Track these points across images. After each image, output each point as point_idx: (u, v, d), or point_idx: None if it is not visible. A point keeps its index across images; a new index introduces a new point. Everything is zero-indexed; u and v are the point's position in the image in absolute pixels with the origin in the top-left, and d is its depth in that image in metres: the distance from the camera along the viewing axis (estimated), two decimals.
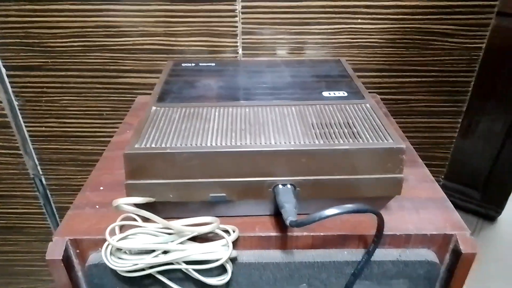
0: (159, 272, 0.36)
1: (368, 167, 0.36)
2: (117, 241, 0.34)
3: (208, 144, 0.36)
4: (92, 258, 0.38)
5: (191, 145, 0.36)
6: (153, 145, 0.36)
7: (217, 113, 0.41)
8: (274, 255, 0.38)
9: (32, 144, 0.72)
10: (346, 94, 0.45)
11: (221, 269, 0.37)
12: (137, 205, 0.37)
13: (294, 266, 0.38)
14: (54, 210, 0.80)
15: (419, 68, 0.64)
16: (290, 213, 0.33)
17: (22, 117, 0.69)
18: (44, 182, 0.76)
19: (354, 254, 0.38)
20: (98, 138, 0.70)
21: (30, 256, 0.86)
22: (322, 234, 0.38)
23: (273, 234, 0.38)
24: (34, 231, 0.82)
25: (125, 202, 0.35)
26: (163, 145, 0.36)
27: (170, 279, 0.37)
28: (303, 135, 0.37)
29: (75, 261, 0.39)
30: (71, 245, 0.38)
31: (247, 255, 0.38)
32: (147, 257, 0.35)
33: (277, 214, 0.40)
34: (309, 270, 0.38)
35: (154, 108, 0.42)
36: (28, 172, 0.74)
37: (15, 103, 0.67)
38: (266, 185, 0.36)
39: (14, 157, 0.72)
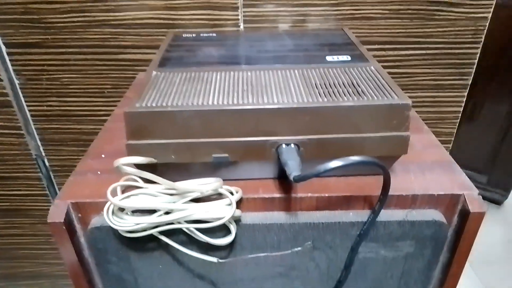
0: (162, 233, 0.36)
1: (373, 124, 0.35)
2: (119, 200, 0.34)
3: (210, 103, 0.35)
4: (95, 222, 0.37)
5: (192, 104, 0.35)
6: (154, 104, 0.35)
7: (218, 77, 0.40)
8: (278, 217, 0.37)
9: (34, 124, 0.71)
10: (349, 58, 0.44)
11: (225, 230, 0.37)
12: (139, 168, 0.36)
13: (299, 227, 0.37)
14: (58, 191, 0.80)
15: (423, 40, 0.63)
16: (293, 168, 0.33)
17: (24, 96, 0.68)
18: (47, 163, 0.76)
19: (360, 215, 0.37)
20: (100, 117, 0.70)
21: (35, 239, 0.86)
22: (326, 195, 0.37)
23: (277, 195, 0.37)
24: (37, 213, 0.82)
25: (126, 162, 0.34)
26: (164, 105, 0.35)
27: (173, 241, 0.37)
28: (306, 94, 0.36)
29: (77, 225, 0.38)
30: (73, 208, 0.37)
31: (251, 217, 0.37)
32: (149, 217, 0.34)
33: (281, 177, 0.39)
34: (314, 232, 0.37)
35: (154, 72, 0.41)
36: (30, 152, 0.74)
37: (16, 81, 0.67)
38: (269, 145, 0.36)
39: (16, 137, 0.72)
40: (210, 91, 0.37)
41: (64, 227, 0.36)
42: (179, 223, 0.35)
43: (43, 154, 0.75)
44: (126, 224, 0.34)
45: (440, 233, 0.38)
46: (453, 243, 0.39)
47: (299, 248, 0.36)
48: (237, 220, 0.37)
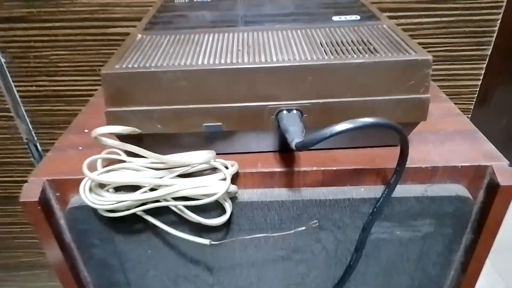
0: (147, 212, 0.32)
1: (387, 85, 0.31)
2: (97, 175, 0.30)
3: (200, 63, 0.31)
4: (74, 201, 0.33)
5: (179, 64, 0.31)
6: (136, 66, 0.31)
7: (210, 38, 0.36)
8: (279, 193, 0.33)
9: (24, 106, 0.67)
10: (359, 17, 0.39)
11: (220, 209, 0.33)
12: (121, 139, 0.32)
13: (303, 204, 0.33)
14: None
15: (438, 6, 0.58)
16: (295, 134, 0.28)
17: (11, 76, 0.64)
18: (39, 147, 0.72)
19: (372, 191, 0.33)
20: (92, 97, 0.66)
21: (29, 227, 0.83)
22: (334, 168, 0.33)
23: (278, 169, 0.33)
24: None
25: (105, 132, 0.30)
26: (147, 65, 0.31)
27: (160, 221, 0.33)
28: (310, 52, 0.32)
29: (56, 206, 0.34)
30: (50, 186, 0.33)
31: (249, 194, 0.33)
32: (132, 194, 0.30)
33: (282, 150, 0.35)
34: (320, 210, 0.33)
35: (139, 35, 0.37)
36: (21, 136, 0.71)
37: (2, 60, 0.63)
38: (268, 111, 0.31)
39: (5, 120, 0.68)
40: (200, 52, 0.33)
41: (39, 207, 0.32)
42: (166, 200, 0.31)
43: (35, 138, 0.71)
44: (105, 202, 0.30)
45: (464, 209, 0.33)
46: (478, 221, 0.34)
47: (303, 228, 0.32)
48: (232, 198, 0.32)
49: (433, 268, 0.37)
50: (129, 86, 0.30)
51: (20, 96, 0.67)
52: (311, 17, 0.40)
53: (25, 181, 0.78)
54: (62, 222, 0.35)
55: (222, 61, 0.31)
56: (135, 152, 0.30)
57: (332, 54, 0.31)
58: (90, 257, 0.36)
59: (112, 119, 0.31)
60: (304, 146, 0.27)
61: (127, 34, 0.60)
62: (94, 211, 0.33)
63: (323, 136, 0.26)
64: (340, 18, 0.39)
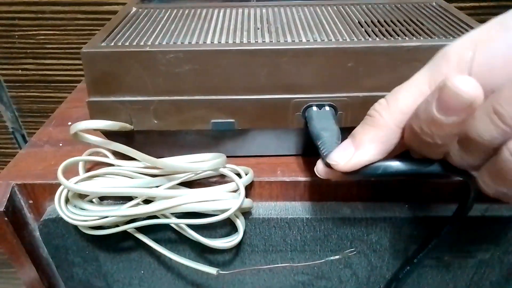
0: (140, 230, 0.25)
1: None
2: (76, 182, 0.23)
3: (208, 42, 0.24)
4: (50, 211, 0.27)
5: (182, 43, 0.24)
6: (127, 43, 0.24)
7: (221, 14, 0.29)
8: (304, 208, 0.26)
9: (9, 91, 0.61)
10: None
11: (229, 226, 0.26)
12: (108, 137, 0.26)
13: (332, 223, 0.26)
14: None
15: None
16: (330, 145, 0.22)
17: None
18: (27, 137, 0.66)
19: (421, 209, 0.26)
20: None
21: None
22: (373, 179, 0.26)
23: (302, 179, 0.26)
24: None
25: (88, 127, 0.24)
26: (141, 44, 0.24)
27: (156, 240, 0.26)
28: (348, 33, 0.25)
29: (29, 215, 0.28)
30: (20, 192, 0.27)
31: (266, 208, 0.26)
32: (120, 207, 0.24)
33: (307, 154, 0.28)
34: (353, 230, 0.27)
35: (134, 9, 0.30)
36: (6, 125, 0.64)
37: None
38: (294, 106, 0.25)
39: None
40: (209, 30, 0.26)
41: (6, 218, 0.26)
42: (165, 216, 0.24)
43: (22, 127, 0.65)
44: (86, 216, 0.23)
45: None
46: None
47: (337, 257, 0.26)
48: (245, 213, 0.26)
49: None
50: (118, 69, 0.24)
51: (5, 81, 0.60)
52: None
53: None
54: (37, 234, 0.29)
55: (237, 41, 0.24)
56: (124, 153, 0.24)
57: (377, 36, 0.25)
58: (70, 277, 0.30)
59: (97, 111, 0.25)
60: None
61: None
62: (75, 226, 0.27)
63: (373, 172, 0.19)
64: None
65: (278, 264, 0.28)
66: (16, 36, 0.56)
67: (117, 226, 0.25)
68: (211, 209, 0.23)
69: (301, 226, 0.27)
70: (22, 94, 0.61)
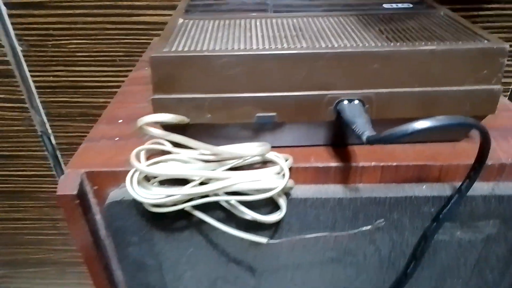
0: (196, 208, 0.29)
1: (458, 75, 0.29)
2: (147, 166, 0.27)
3: (254, 48, 0.29)
4: (113, 195, 0.31)
5: (232, 48, 0.28)
6: (186, 49, 0.28)
7: (258, 23, 0.34)
8: (335, 190, 0.31)
9: (39, 97, 0.65)
10: (411, 5, 0.37)
11: (270, 206, 0.30)
12: (166, 130, 0.30)
13: (360, 203, 0.30)
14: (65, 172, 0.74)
15: None
16: (365, 127, 0.26)
17: (27, 65, 0.62)
18: (53, 141, 0.70)
19: (436, 189, 0.30)
20: (111, 89, 0.63)
21: (40, 223, 0.80)
22: (394, 164, 0.31)
23: (333, 164, 0.31)
24: (43, 195, 0.76)
25: (152, 121, 0.28)
26: (198, 49, 0.28)
27: (209, 217, 0.30)
28: (373, 39, 0.30)
29: (92, 200, 0.32)
30: (87, 179, 0.31)
31: (302, 190, 0.31)
32: (183, 188, 0.28)
33: (336, 144, 0.33)
34: (378, 208, 0.31)
35: (181, 20, 0.35)
36: (35, 129, 0.68)
37: (18, 48, 0.60)
38: (327, 101, 0.29)
39: (19, 111, 0.66)
40: (252, 37, 0.31)
41: (78, 201, 0.30)
42: (217, 195, 0.28)
43: (49, 130, 0.68)
44: (153, 196, 0.27)
45: None
46: None
47: (369, 227, 0.30)
48: (286, 194, 0.30)
49: (491, 272, 0.35)
50: (179, 71, 0.28)
51: (36, 87, 0.64)
52: (359, 4, 0.38)
53: (37, 175, 0.76)
54: (98, 218, 0.33)
55: (279, 46, 0.29)
56: (184, 143, 0.28)
57: (397, 41, 0.29)
58: (126, 256, 0.34)
59: (159, 107, 0.29)
60: (377, 141, 0.25)
61: (151, 23, 0.57)
62: (136, 206, 0.30)
63: (404, 132, 0.23)
64: (391, 5, 0.37)
65: (314, 237, 0.32)
66: (50, 45, 0.60)
67: (176, 204, 0.29)
68: (259, 188, 0.27)
69: (333, 206, 0.31)
70: (52, 99, 0.65)
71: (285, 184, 0.27)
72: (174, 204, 0.29)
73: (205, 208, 0.30)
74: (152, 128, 0.29)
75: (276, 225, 0.32)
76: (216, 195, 0.28)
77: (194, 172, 0.27)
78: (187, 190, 0.27)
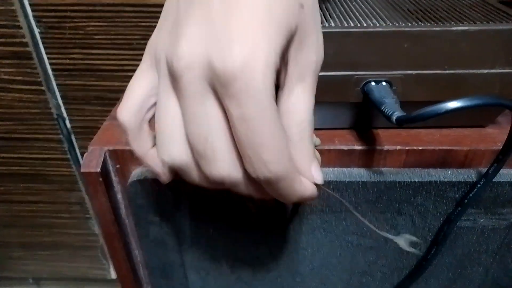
0: None
1: (489, 57, 0.28)
2: None
3: None
4: (136, 174, 0.31)
5: None
6: None
7: None
8: (359, 173, 0.30)
9: (56, 80, 0.65)
10: None
11: None
12: None
13: (384, 186, 0.30)
14: (79, 156, 0.74)
15: None
16: (394, 107, 0.25)
17: (44, 47, 0.62)
18: (68, 124, 0.70)
19: (461, 174, 0.30)
20: (127, 72, 0.63)
21: (54, 206, 0.81)
22: (420, 148, 0.30)
23: (358, 147, 0.30)
24: (57, 179, 0.77)
25: None
26: None
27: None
28: (401, 19, 0.29)
29: (114, 178, 0.32)
30: (110, 157, 0.31)
31: (326, 172, 0.30)
32: None
33: (360, 127, 0.32)
34: (402, 192, 0.30)
35: None
36: (51, 112, 0.68)
37: (36, 30, 0.60)
38: (355, 81, 0.29)
39: (36, 94, 0.66)
40: None
41: (101, 179, 0.30)
42: None
43: (64, 113, 0.69)
44: None
45: None
46: None
47: (391, 236, 0.30)
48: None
49: None
50: None
51: (53, 69, 0.64)
52: None
53: (52, 159, 0.76)
54: (119, 196, 0.33)
55: None
56: None
57: (427, 22, 0.28)
58: (145, 235, 0.34)
59: None
60: (408, 121, 0.24)
61: None
62: (157, 185, 0.30)
63: (436, 112, 0.23)
64: None
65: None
66: (67, 27, 0.60)
67: None
68: None
69: (356, 188, 0.30)
70: (68, 82, 0.65)
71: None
72: None
73: None
74: None
75: (296, 207, 0.32)
76: None
77: None
78: None
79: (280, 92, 0.20)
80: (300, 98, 0.20)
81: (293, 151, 0.20)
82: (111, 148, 0.31)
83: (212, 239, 0.34)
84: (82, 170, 0.30)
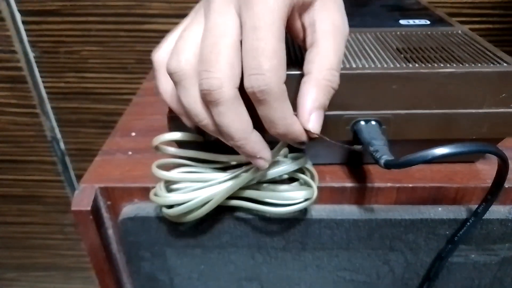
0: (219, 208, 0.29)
1: (476, 98, 0.28)
2: (178, 173, 0.27)
3: None
4: (127, 211, 0.31)
5: None
6: None
7: None
8: (351, 211, 0.30)
9: (50, 103, 0.65)
10: (428, 22, 0.37)
11: (288, 221, 0.30)
12: (180, 147, 0.30)
13: (376, 224, 0.30)
14: (73, 178, 0.74)
15: (490, 12, 0.55)
16: (383, 151, 0.26)
17: (39, 71, 0.62)
18: (62, 146, 0.70)
19: (452, 211, 0.30)
20: (122, 95, 0.64)
21: (48, 228, 0.81)
22: (410, 185, 0.30)
23: (349, 184, 0.30)
24: (51, 200, 0.76)
25: (169, 139, 0.28)
26: None
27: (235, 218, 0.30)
28: (390, 59, 0.29)
29: (105, 215, 0.32)
30: (101, 194, 0.31)
31: (317, 210, 0.30)
32: (212, 187, 0.27)
33: (351, 163, 0.32)
34: (393, 230, 0.30)
35: None
36: (45, 134, 0.68)
37: (31, 54, 0.60)
38: (344, 121, 0.29)
39: (30, 117, 0.66)
40: None
41: (91, 217, 0.30)
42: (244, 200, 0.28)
43: (58, 136, 0.69)
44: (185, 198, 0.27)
45: None
46: None
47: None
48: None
49: None
50: None
51: (47, 93, 0.64)
52: (376, 19, 0.38)
53: (46, 180, 0.76)
54: (110, 232, 0.33)
55: (296, 66, 0.29)
56: (202, 157, 0.28)
57: (416, 62, 0.29)
58: (137, 271, 0.34)
59: (175, 125, 0.29)
60: (396, 166, 0.24)
61: (164, 31, 0.57)
62: (150, 222, 0.30)
63: (423, 158, 0.23)
64: (408, 21, 0.37)
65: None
66: (62, 52, 0.60)
67: (203, 206, 0.28)
68: (293, 196, 0.27)
69: (348, 227, 0.30)
70: (62, 105, 0.65)
71: (315, 196, 0.27)
72: (202, 205, 0.28)
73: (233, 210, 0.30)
74: (168, 147, 0.29)
75: (288, 242, 0.31)
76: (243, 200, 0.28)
77: (220, 174, 0.27)
78: (217, 187, 0.27)
79: (309, 49, 0.24)
80: (326, 47, 0.23)
81: (301, 93, 0.24)
82: (102, 185, 0.31)
83: (204, 275, 0.34)
84: (73, 208, 0.30)
